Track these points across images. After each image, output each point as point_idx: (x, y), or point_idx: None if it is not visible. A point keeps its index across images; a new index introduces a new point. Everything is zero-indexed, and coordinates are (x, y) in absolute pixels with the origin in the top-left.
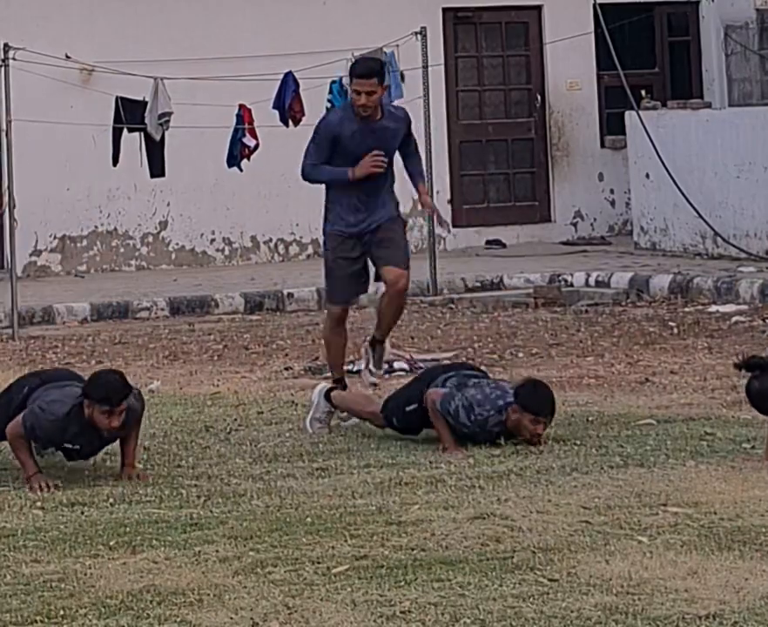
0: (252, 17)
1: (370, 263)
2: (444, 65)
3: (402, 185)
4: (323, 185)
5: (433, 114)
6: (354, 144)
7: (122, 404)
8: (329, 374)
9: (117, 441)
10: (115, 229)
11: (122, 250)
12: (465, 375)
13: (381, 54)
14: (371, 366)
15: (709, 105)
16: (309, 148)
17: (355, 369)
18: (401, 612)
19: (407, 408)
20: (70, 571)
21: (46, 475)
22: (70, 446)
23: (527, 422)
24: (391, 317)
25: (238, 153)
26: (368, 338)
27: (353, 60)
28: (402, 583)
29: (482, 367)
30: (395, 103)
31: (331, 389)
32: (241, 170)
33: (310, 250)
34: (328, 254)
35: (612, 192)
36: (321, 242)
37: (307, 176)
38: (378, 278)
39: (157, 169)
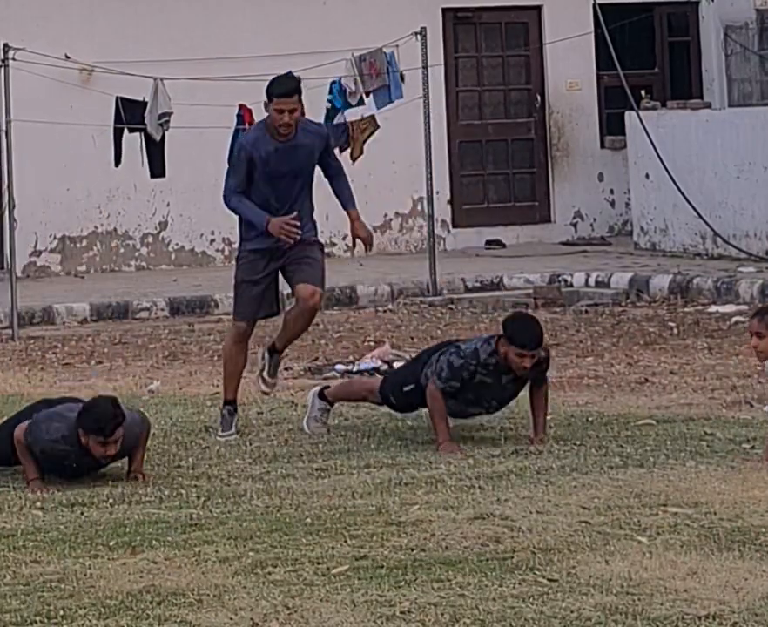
0: (252, 17)
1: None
2: (444, 66)
3: (406, 187)
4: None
5: (432, 114)
6: (271, 166)
7: (116, 433)
8: (329, 375)
9: None
10: (115, 229)
11: (122, 250)
12: (453, 344)
13: (381, 54)
14: (265, 373)
15: (709, 106)
16: (228, 172)
17: (355, 369)
18: (401, 612)
19: (405, 388)
20: (69, 572)
21: (48, 476)
22: (66, 463)
23: (513, 356)
24: (296, 331)
25: None
26: (267, 344)
27: (272, 78)
28: (402, 584)
29: None
30: (395, 103)
31: (325, 388)
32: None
33: None
34: (240, 272)
35: (612, 192)
36: (235, 258)
37: (228, 204)
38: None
39: (157, 169)
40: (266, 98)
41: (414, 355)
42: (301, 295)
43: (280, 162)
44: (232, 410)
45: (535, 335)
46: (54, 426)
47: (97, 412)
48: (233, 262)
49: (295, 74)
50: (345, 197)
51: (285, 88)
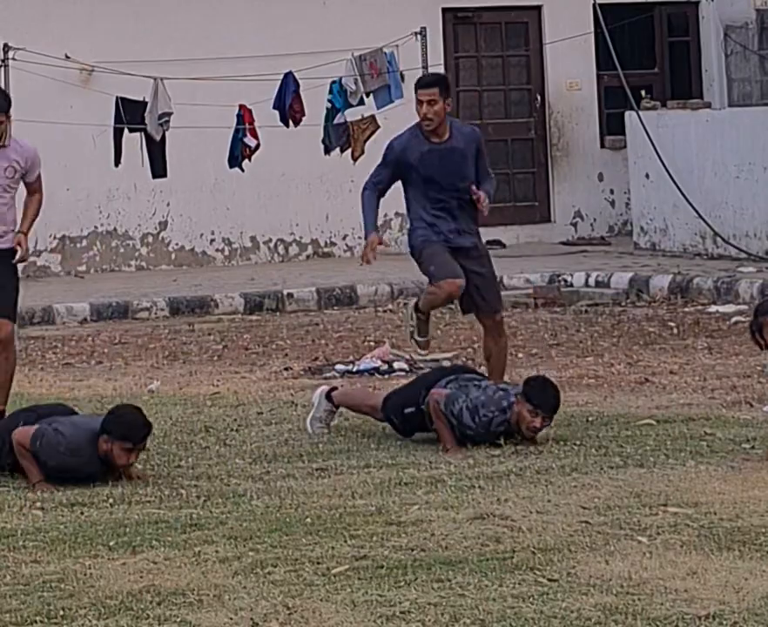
0: (253, 17)
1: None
2: (444, 65)
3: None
4: (322, 187)
5: None
6: (426, 167)
7: (144, 441)
8: (329, 375)
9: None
10: (115, 229)
11: (122, 250)
12: (465, 379)
13: (381, 54)
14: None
15: (708, 105)
16: (379, 164)
17: (355, 369)
18: (401, 612)
19: (406, 411)
20: (69, 572)
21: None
22: (74, 475)
23: (526, 413)
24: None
25: (239, 153)
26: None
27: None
28: (402, 584)
29: (482, 368)
30: (396, 103)
31: (332, 389)
32: (243, 170)
33: (310, 250)
34: (421, 245)
35: (612, 192)
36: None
37: (361, 193)
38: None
39: (158, 169)
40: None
41: (419, 362)
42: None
43: (434, 163)
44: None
45: (552, 399)
46: (67, 441)
47: (129, 420)
48: (233, 262)
49: (297, 74)
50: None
51: (424, 80)
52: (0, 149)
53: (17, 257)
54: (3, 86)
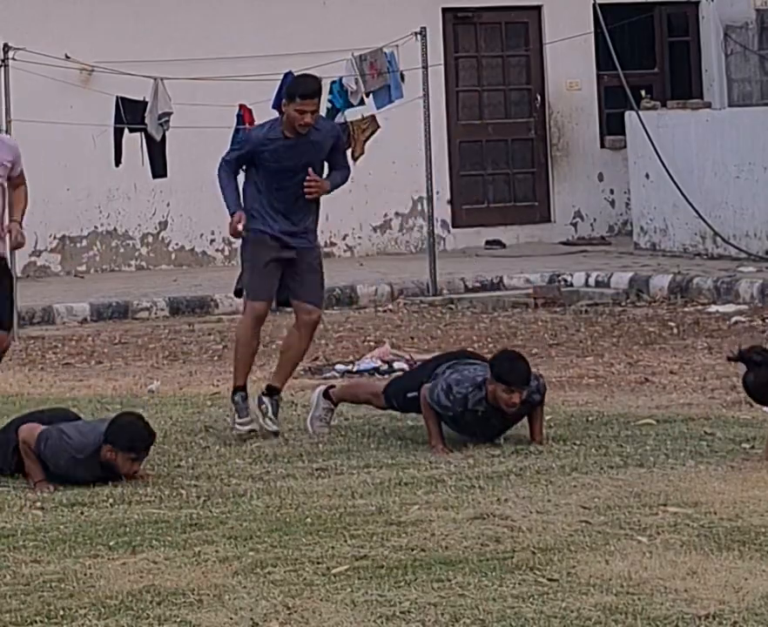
0: (253, 17)
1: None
2: (444, 65)
3: (406, 187)
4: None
5: (432, 114)
6: (280, 161)
7: (148, 450)
8: (329, 375)
9: None
10: (115, 229)
11: (122, 250)
12: (464, 363)
13: (381, 54)
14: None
15: (708, 105)
16: (233, 145)
17: (355, 369)
18: (401, 612)
19: (408, 395)
20: (69, 571)
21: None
22: (76, 478)
23: (501, 392)
24: (299, 352)
25: None
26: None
27: (295, 77)
28: (402, 584)
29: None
30: (396, 103)
31: (329, 388)
32: (243, 170)
33: None
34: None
35: (612, 192)
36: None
37: (219, 171)
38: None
39: (159, 169)
40: (285, 98)
41: (419, 361)
42: (304, 310)
43: (289, 157)
44: (245, 396)
45: (521, 371)
46: (73, 448)
47: (132, 431)
48: (234, 262)
49: (298, 74)
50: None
51: (309, 89)
52: None
53: (10, 244)
54: (3, 86)
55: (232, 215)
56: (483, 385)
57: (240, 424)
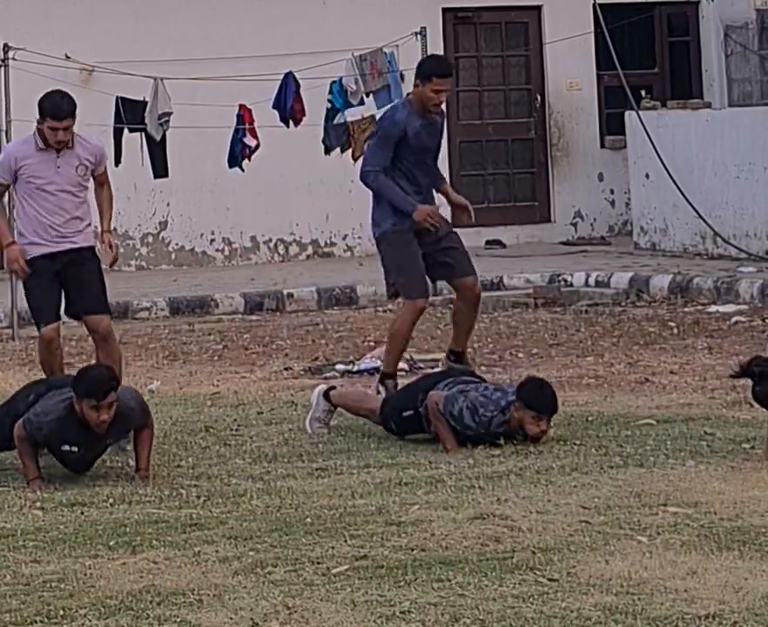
0: (253, 17)
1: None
2: None
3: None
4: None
5: None
6: (420, 142)
7: (108, 396)
8: (329, 375)
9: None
10: (115, 229)
11: (122, 250)
12: (463, 381)
13: (381, 54)
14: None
15: (709, 105)
16: (372, 150)
17: (355, 369)
18: (401, 612)
19: (404, 414)
20: (69, 571)
21: (47, 475)
22: (68, 448)
23: (529, 420)
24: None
25: (239, 154)
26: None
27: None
28: (402, 584)
29: (482, 368)
30: (396, 103)
31: (330, 389)
32: (243, 170)
33: (310, 250)
34: (394, 250)
35: (612, 192)
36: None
37: (367, 180)
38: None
39: (160, 169)
40: (419, 79)
41: (419, 362)
42: (466, 285)
43: (426, 138)
44: (395, 384)
45: (551, 399)
46: (51, 407)
47: (90, 376)
48: (233, 262)
49: (298, 74)
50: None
51: (446, 69)
52: (68, 149)
53: (110, 260)
54: (3, 86)
55: (412, 212)
56: (506, 409)
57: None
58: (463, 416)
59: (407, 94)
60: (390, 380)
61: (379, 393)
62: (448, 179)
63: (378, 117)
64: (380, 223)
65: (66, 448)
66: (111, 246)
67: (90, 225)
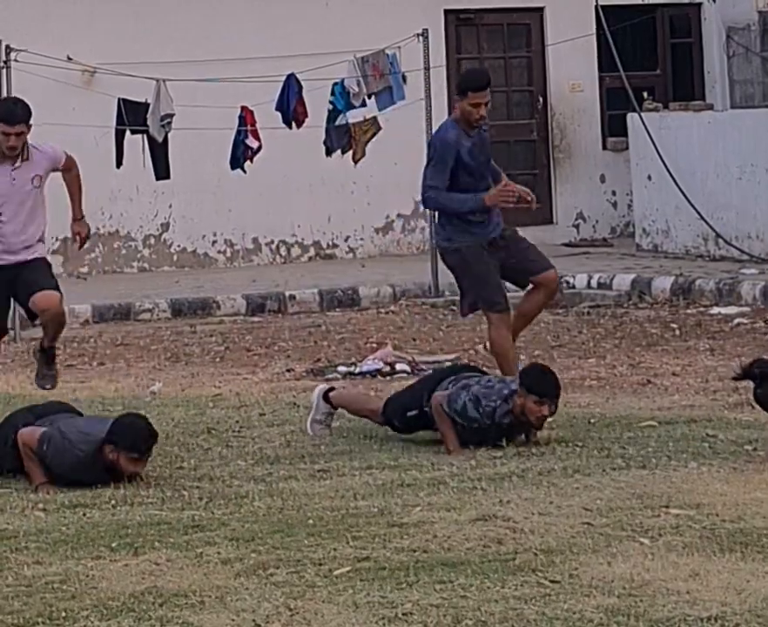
0: (254, 19)
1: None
2: (446, 67)
3: (408, 188)
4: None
5: (434, 116)
6: (473, 158)
7: (150, 451)
8: (331, 376)
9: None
10: (117, 231)
11: (124, 252)
12: (465, 377)
13: (383, 56)
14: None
15: (711, 107)
16: (429, 172)
17: (357, 371)
18: (403, 614)
19: (408, 414)
20: (72, 573)
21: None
22: (78, 479)
23: (531, 404)
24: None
25: (241, 155)
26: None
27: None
28: (404, 585)
29: (484, 369)
30: (398, 105)
31: (330, 390)
32: (245, 172)
33: (312, 252)
34: (470, 265)
35: (614, 193)
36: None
37: (429, 202)
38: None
39: (162, 171)
40: (457, 95)
41: (420, 363)
42: (549, 279)
43: (479, 153)
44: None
45: (553, 384)
46: (75, 449)
47: (135, 431)
48: (235, 264)
49: (299, 75)
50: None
51: (480, 81)
52: (25, 162)
53: (77, 247)
54: (5, 88)
55: (486, 201)
56: (510, 398)
57: None
58: (467, 409)
59: (451, 115)
60: None
61: None
62: None
63: (378, 119)
64: (452, 238)
65: (74, 478)
66: (78, 236)
67: (42, 239)
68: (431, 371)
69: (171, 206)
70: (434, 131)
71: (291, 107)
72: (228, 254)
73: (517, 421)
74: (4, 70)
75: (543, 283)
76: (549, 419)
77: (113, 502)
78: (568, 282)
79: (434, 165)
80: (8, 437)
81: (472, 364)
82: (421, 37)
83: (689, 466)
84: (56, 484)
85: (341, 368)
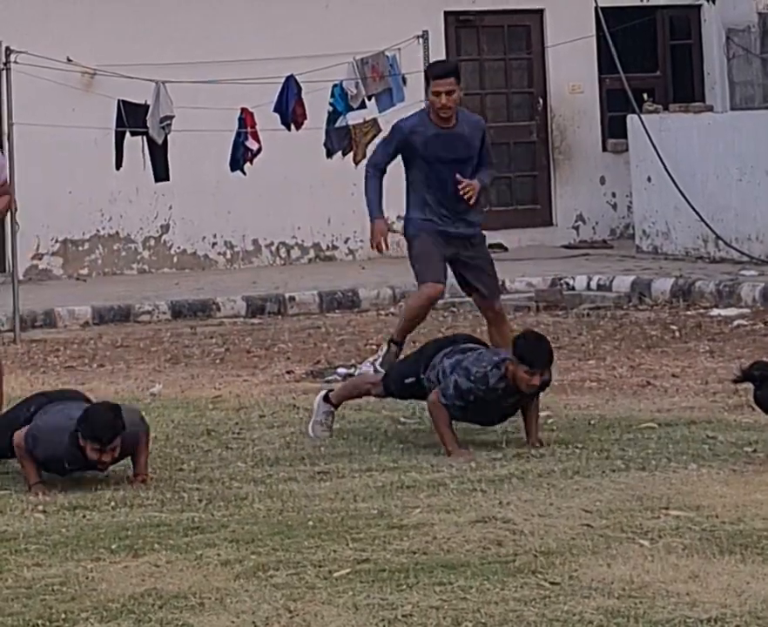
0: (254, 20)
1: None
2: None
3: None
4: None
5: None
6: (430, 151)
7: (113, 442)
8: (330, 378)
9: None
10: (117, 233)
11: (124, 253)
12: (463, 349)
13: (383, 57)
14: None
15: (711, 109)
16: (378, 145)
17: (357, 373)
18: (403, 616)
19: (406, 381)
20: (71, 575)
21: (49, 479)
22: (68, 466)
23: (522, 374)
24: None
25: (241, 157)
26: None
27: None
28: (404, 587)
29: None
30: (397, 106)
31: (329, 391)
32: (244, 173)
33: (312, 253)
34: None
35: (614, 195)
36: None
37: (365, 175)
38: None
39: (161, 173)
40: (425, 84)
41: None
42: (489, 309)
43: (440, 148)
44: (398, 351)
45: (544, 353)
46: (54, 431)
47: (97, 420)
48: (235, 266)
49: (299, 77)
50: (479, 175)
51: (442, 70)
52: None
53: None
54: (5, 89)
55: (373, 221)
56: (501, 364)
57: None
58: (459, 385)
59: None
60: (395, 346)
61: (377, 358)
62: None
63: (378, 120)
64: (409, 216)
65: (68, 466)
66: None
67: None
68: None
69: (170, 208)
70: None
71: (289, 109)
72: (228, 256)
73: (511, 387)
74: (4, 72)
75: (483, 310)
76: (550, 421)
77: (113, 503)
78: (567, 284)
79: (380, 143)
80: (18, 419)
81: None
82: (420, 39)
83: (689, 468)
84: (60, 475)
85: (341, 370)
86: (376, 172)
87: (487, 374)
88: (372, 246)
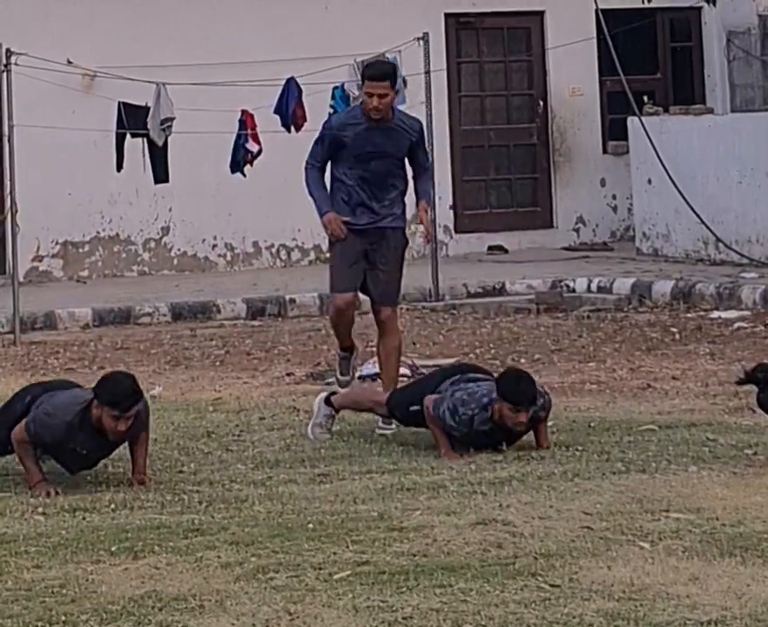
0: (255, 22)
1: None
2: (446, 71)
3: (409, 192)
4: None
5: (435, 120)
6: (360, 145)
7: (131, 410)
8: (331, 380)
9: (126, 450)
10: (117, 234)
11: (124, 255)
12: (468, 378)
13: (383, 59)
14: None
15: (711, 111)
16: (315, 141)
17: (357, 375)
18: (403, 618)
19: (411, 408)
20: (71, 577)
21: (50, 481)
22: (77, 449)
23: (507, 412)
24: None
25: (241, 159)
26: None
27: (364, 63)
28: (404, 589)
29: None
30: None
31: (331, 394)
32: (245, 175)
33: (312, 255)
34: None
35: (614, 197)
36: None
37: (305, 173)
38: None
39: (161, 175)
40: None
41: (421, 366)
42: (381, 313)
43: (371, 144)
44: (348, 355)
45: (527, 391)
46: (61, 408)
47: (116, 385)
48: (235, 268)
49: (299, 79)
50: (420, 190)
51: (375, 71)
52: None
53: None
54: (5, 91)
55: (323, 216)
56: (489, 405)
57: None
58: (445, 418)
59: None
60: (343, 353)
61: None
62: (449, 185)
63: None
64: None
65: (72, 446)
66: None
67: None
68: (437, 369)
69: (171, 210)
70: (434, 135)
71: (290, 111)
72: (228, 258)
73: (498, 427)
74: (4, 74)
75: (374, 315)
76: (550, 423)
77: (113, 505)
78: (568, 286)
79: (314, 141)
80: (15, 410)
81: (476, 364)
82: (421, 41)
83: (689, 470)
84: (65, 466)
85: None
86: (315, 169)
87: (472, 417)
88: (330, 239)
